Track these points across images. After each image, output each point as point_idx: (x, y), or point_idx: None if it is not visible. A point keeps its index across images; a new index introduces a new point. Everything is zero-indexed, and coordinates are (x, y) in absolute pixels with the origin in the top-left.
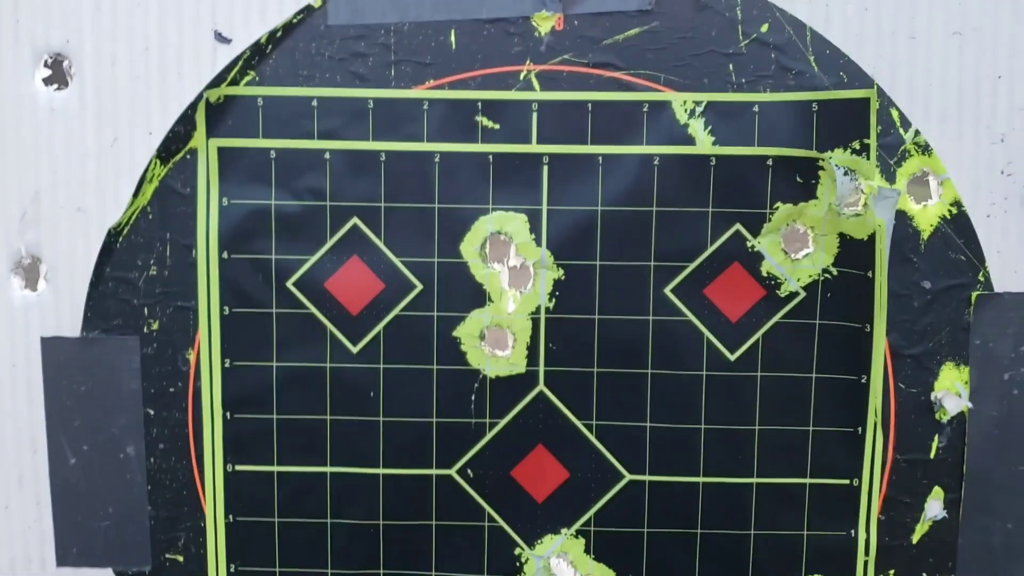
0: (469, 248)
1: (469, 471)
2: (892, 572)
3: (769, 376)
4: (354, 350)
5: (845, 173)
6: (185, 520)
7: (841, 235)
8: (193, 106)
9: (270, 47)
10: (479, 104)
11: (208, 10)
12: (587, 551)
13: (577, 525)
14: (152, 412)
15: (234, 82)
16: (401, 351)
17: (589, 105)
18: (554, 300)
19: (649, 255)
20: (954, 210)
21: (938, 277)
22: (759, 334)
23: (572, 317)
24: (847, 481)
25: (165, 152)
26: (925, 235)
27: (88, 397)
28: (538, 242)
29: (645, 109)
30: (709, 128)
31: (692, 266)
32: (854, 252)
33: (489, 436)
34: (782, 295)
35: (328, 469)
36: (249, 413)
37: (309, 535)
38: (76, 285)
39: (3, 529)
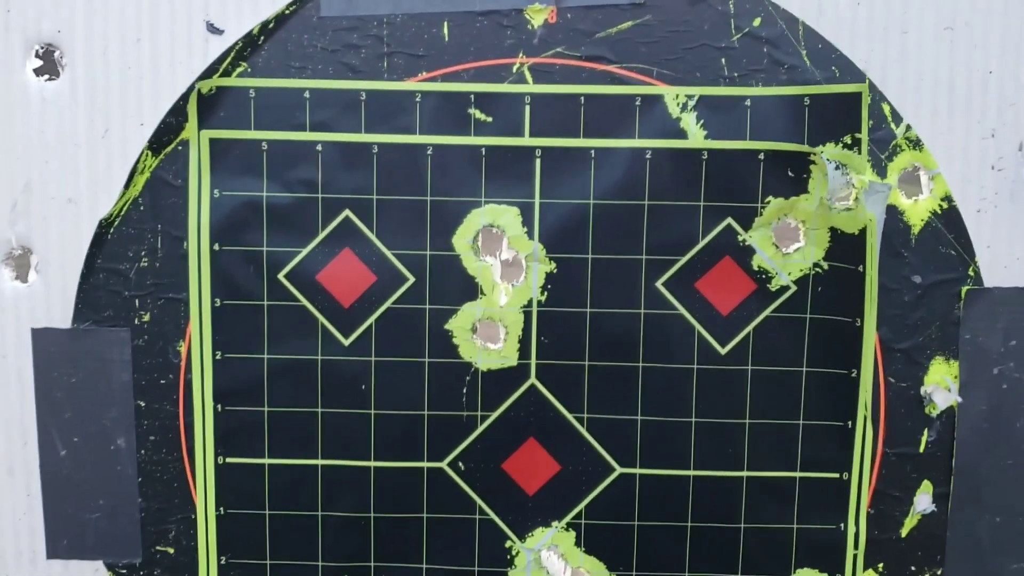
0: (461, 241)
1: (460, 464)
2: (881, 565)
3: (760, 370)
4: (346, 343)
5: (836, 167)
6: (176, 512)
7: (832, 229)
8: (185, 97)
9: (262, 38)
10: (472, 97)
11: (200, 1)
12: (578, 544)
13: (568, 518)
14: (143, 404)
15: (226, 73)
16: (393, 344)
17: (582, 98)
18: (546, 293)
19: (641, 248)
20: (945, 205)
21: (928, 272)
22: (750, 328)
23: (564, 310)
24: (837, 475)
25: (156, 143)
26: (916, 230)
27: (79, 389)
28: (530, 235)
29: (637, 103)
30: (701, 122)
31: (683, 260)
32: (845, 246)
33: (480, 429)
34: (773, 289)
35: (319, 462)
36: (240, 405)
37: (300, 527)
38: (67, 276)
39: None
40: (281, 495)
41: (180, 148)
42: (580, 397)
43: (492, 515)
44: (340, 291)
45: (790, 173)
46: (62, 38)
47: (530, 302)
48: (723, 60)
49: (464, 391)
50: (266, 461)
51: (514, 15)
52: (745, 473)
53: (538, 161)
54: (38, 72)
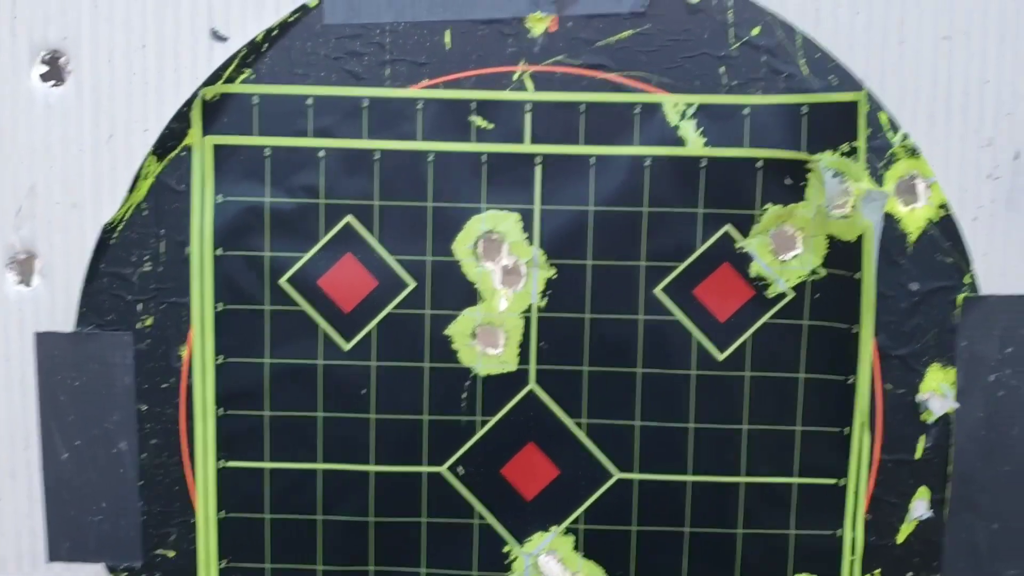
0: (462, 247)
1: (459, 469)
2: (878, 572)
3: (757, 376)
4: (346, 347)
5: (834, 175)
6: (177, 516)
7: (829, 237)
8: (189, 103)
9: (266, 45)
10: (473, 104)
11: (205, 8)
12: (576, 549)
13: (567, 523)
14: (145, 408)
15: (230, 80)
16: (393, 349)
17: (582, 106)
18: (546, 299)
19: (640, 255)
20: (941, 213)
21: (925, 279)
22: (748, 334)
23: (563, 316)
24: (834, 481)
25: (161, 149)
26: (912, 238)
27: (81, 392)
28: (530, 241)
29: (637, 111)
30: (700, 130)
31: (682, 266)
32: (842, 254)
33: (480, 434)
34: (770, 296)
35: (319, 466)
36: (241, 409)
37: (300, 531)
38: (70, 280)
39: None
40: (281, 499)
41: (184, 154)
42: (579, 402)
43: (491, 520)
44: (341, 296)
45: (788, 181)
46: (68, 44)
47: (530, 308)
48: (722, 69)
49: (463, 396)
50: (267, 465)
51: (515, 24)
52: (742, 479)
53: (538, 168)
54: (44, 78)
